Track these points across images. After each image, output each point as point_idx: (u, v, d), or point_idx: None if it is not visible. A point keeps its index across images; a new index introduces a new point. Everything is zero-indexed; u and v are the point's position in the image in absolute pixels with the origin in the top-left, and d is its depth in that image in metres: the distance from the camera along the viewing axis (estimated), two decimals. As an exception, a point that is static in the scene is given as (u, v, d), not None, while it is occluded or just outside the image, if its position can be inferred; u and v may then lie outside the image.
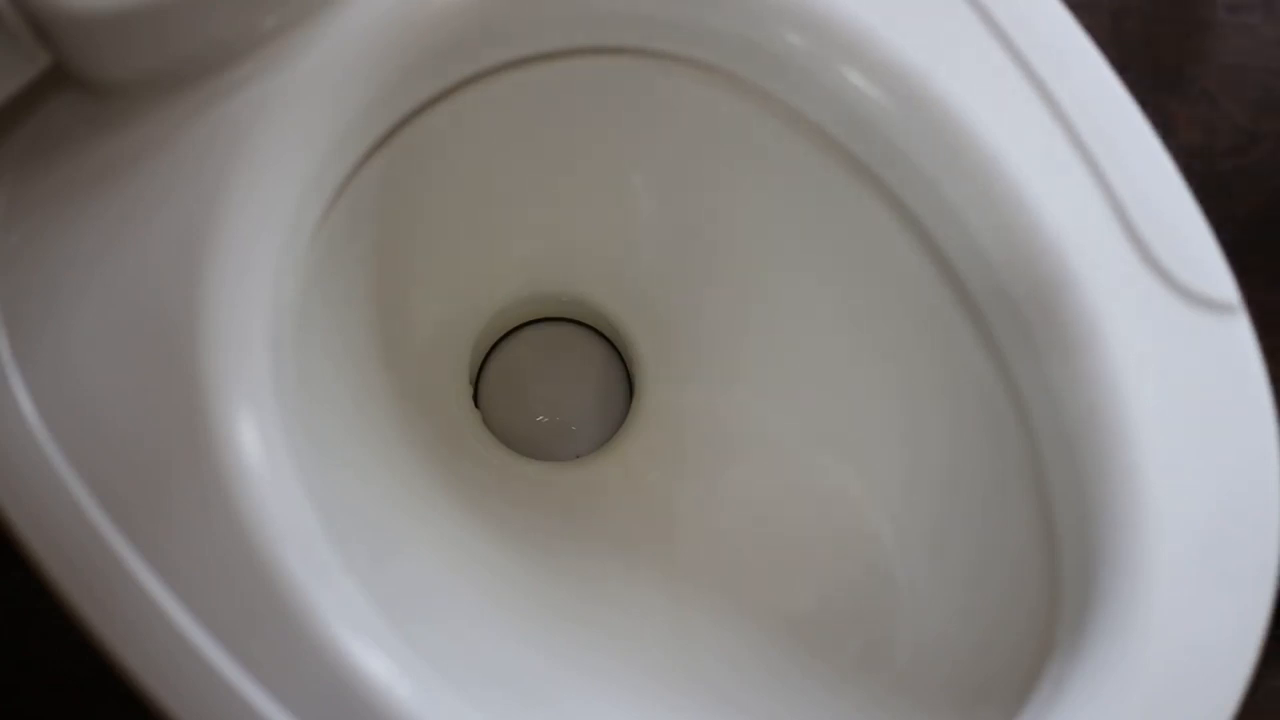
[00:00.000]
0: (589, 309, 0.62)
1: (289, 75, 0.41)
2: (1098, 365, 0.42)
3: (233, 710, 0.36)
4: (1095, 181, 0.43)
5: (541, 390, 0.63)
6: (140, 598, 0.36)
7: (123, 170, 0.40)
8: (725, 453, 0.58)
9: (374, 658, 0.36)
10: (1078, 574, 0.42)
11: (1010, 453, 0.46)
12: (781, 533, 0.56)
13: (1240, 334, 0.43)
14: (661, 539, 0.57)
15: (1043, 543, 0.44)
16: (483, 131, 0.52)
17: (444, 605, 0.50)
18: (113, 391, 0.38)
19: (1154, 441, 0.41)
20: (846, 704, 0.50)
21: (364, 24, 0.42)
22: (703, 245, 0.57)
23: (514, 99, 0.50)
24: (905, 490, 0.53)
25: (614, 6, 0.46)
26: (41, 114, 0.40)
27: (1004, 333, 0.45)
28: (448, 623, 0.49)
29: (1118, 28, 0.88)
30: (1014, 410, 0.46)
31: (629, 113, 0.53)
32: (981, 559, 0.49)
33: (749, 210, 0.55)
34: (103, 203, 0.40)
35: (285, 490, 0.38)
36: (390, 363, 0.54)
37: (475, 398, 0.62)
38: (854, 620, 0.53)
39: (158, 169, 0.40)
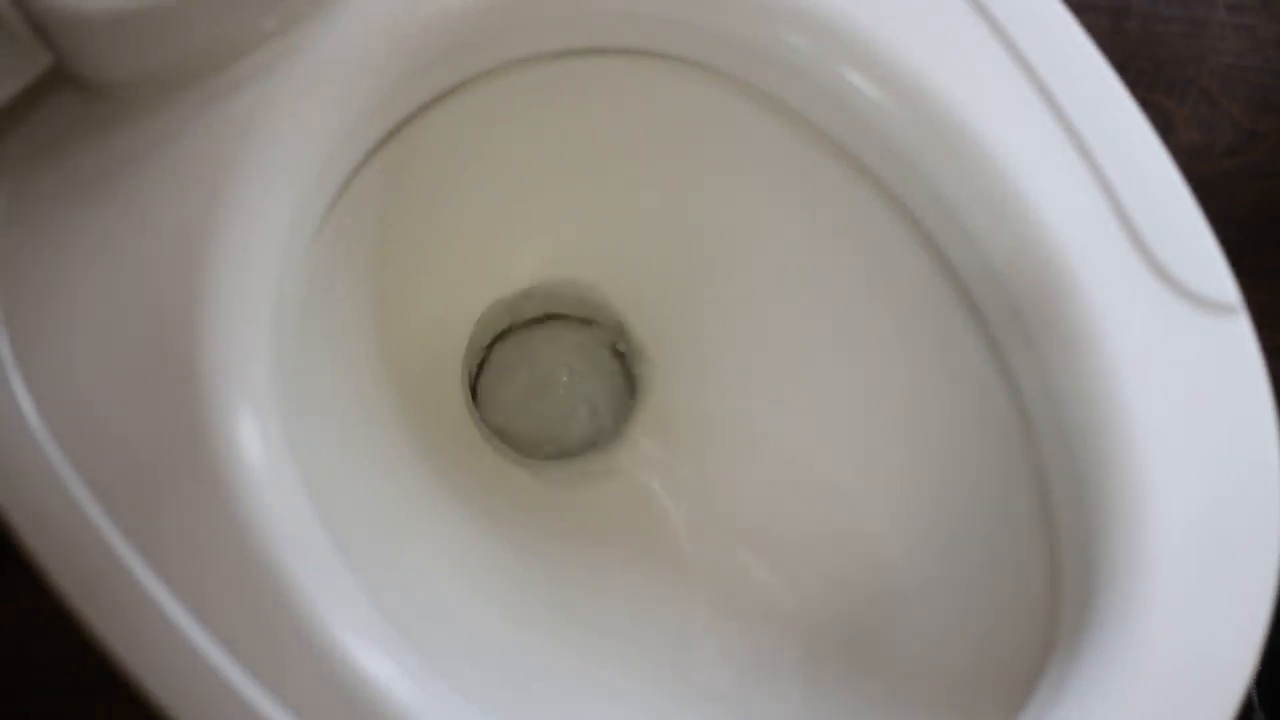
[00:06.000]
0: (590, 308, 0.62)
1: (289, 76, 0.41)
2: (1098, 365, 0.42)
3: (233, 710, 0.36)
4: (1095, 181, 0.43)
5: (541, 389, 0.63)
6: (140, 598, 0.36)
7: (123, 170, 0.40)
8: (726, 452, 0.58)
9: (374, 657, 0.36)
10: (1078, 575, 0.41)
11: (1011, 453, 0.46)
12: (782, 533, 0.56)
13: (1240, 334, 0.43)
14: (662, 538, 0.57)
15: (1043, 544, 0.44)
16: (483, 132, 0.51)
17: (443, 604, 0.50)
18: (113, 391, 0.38)
19: (1154, 441, 0.41)
20: (845, 705, 0.50)
21: (364, 24, 0.42)
22: (704, 245, 0.57)
23: (515, 100, 0.50)
24: (907, 491, 0.53)
25: (614, 6, 0.46)
26: (41, 114, 0.40)
27: (1004, 333, 0.45)
28: (447, 622, 0.49)
29: (1118, 28, 0.88)
30: (1015, 411, 0.46)
31: (631, 114, 0.53)
32: (983, 560, 0.49)
33: (751, 211, 0.55)
34: (103, 203, 0.40)
35: (285, 490, 0.38)
36: (390, 361, 0.54)
37: (475, 396, 0.62)
38: (854, 621, 0.53)
39: (158, 169, 0.40)
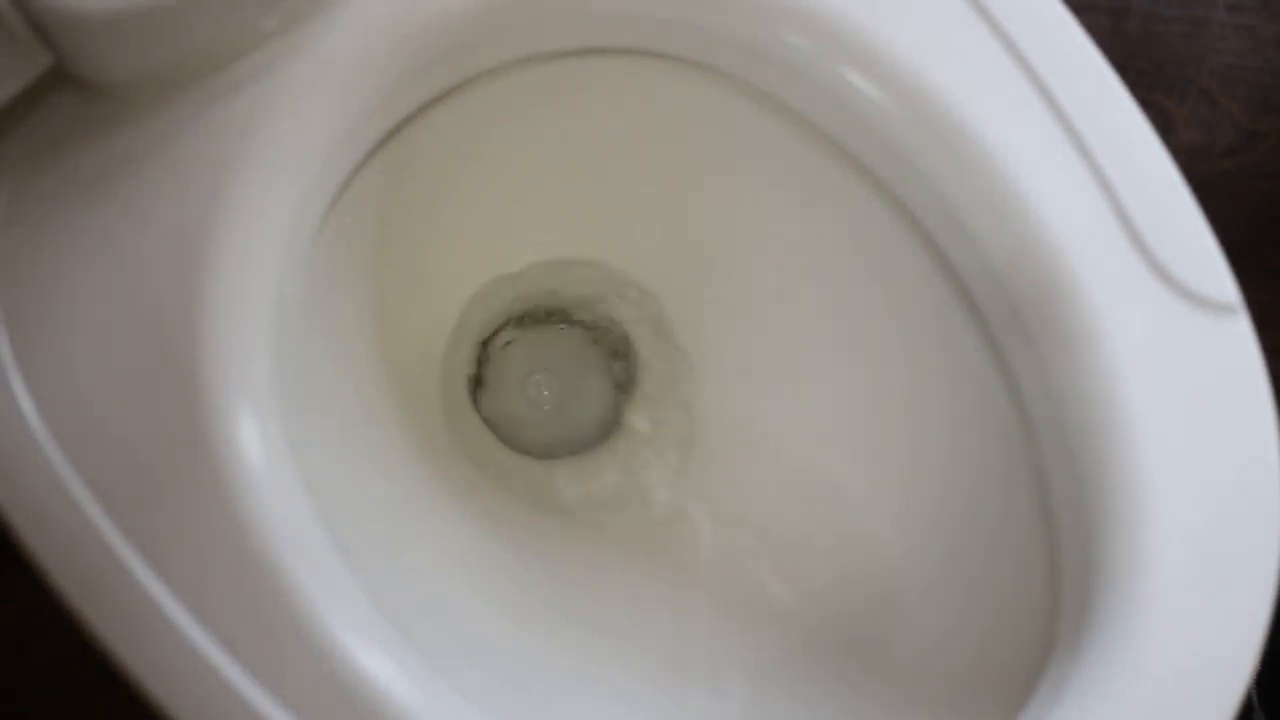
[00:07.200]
0: (592, 306, 0.62)
1: (289, 76, 0.41)
2: (1098, 365, 0.42)
3: (233, 710, 0.36)
4: (1095, 181, 0.43)
5: (540, 388, 0.63)
6: (140, 598, 0.36)
7: (123, 170, 0.40)
8: (726, 452, 0.58)
9: (374, 657, 0.36)
10: (1078, 575, 0.41)
11: (1011, 453, 0.46)
12: (782, 533, 0.56)
13: (1240, 334, 0.43)
14: (661, 538, 0.57)
15: (1043, 544, 0.44)
16: (483, 132, 0.51)
17: (443, 604, 0.50)
18: (113, 391, 0.38)
19: (1154, 442, 0.41)
20: (845, 705, 0.50)
21: (364, 24, 0.42)
22: (704, 245, 0.57)
23: (515, 100, 0.50)
24: (907, 491, 0.53)
25: (614, 6, 0.46)
26: (41, 114, 0.40)
27: (1004, 333, 0.45)
28: (447, 622, 0.49)
29: (1118, 28, 0.88)
30: (1015, 411, 0.46)
31: (631, 114, 0.53)
32: (983, 560, 0.49)
33: (751, 211, 0.55)
34: (103, 203, 0.40)
35: (285, 489, 0.38)
36: (390, 361, 0.54)
37: (474, 395, 0.62)
38: (854, 621, 0.53)
39: (158, 169, 0.40)
